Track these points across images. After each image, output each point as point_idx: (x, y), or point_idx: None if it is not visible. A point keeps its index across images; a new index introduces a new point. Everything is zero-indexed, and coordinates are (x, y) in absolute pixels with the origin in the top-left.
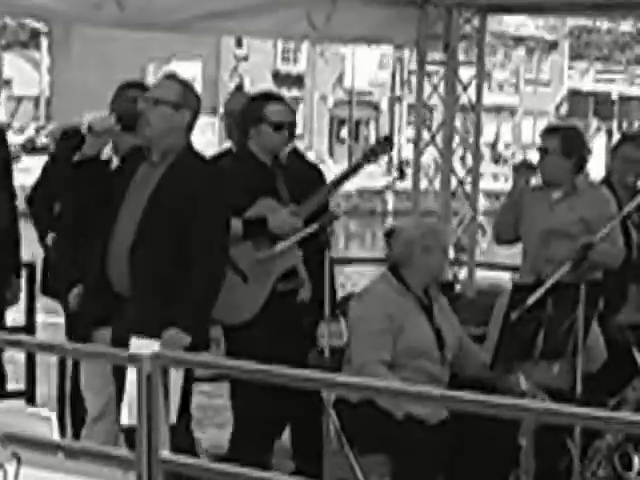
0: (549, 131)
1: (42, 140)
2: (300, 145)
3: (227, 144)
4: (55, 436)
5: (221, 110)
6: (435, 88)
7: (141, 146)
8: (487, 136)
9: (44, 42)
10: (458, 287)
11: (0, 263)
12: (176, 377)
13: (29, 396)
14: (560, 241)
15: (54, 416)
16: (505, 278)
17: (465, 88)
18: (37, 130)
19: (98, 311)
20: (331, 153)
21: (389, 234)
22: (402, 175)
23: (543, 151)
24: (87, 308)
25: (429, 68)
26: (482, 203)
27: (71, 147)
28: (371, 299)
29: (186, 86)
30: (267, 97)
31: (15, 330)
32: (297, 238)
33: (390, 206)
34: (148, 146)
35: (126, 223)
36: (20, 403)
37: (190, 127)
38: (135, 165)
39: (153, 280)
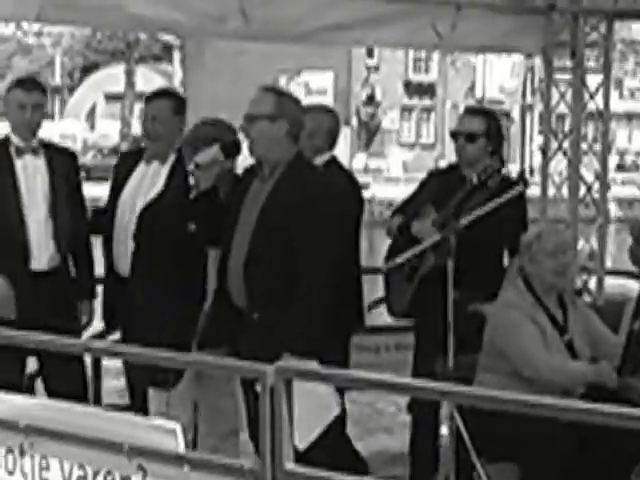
0: None
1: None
2: (432, 154)
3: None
4: (180, 448)
5: (354, 121)
6: (563, 96)
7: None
8: (619, 143)
9: (176, 55)
10: (587, 295)
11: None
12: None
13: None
14: None
15: (179, 428)
16: (635, 286)
17: (592, 96)
18: None
19: (220, 327)
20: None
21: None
22: (525, 184)
23: None
24: (210, 324)
25: (558, 76)
26: (614, 210)
27: None
28: (508, 309)
29: (282, 95)
30: None
31: None
32: (420, 249)
33: None
34: (259, 162)
35: (241, 240)
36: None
37: (294, 136)
38: (249, 181)
39: (267, 298)
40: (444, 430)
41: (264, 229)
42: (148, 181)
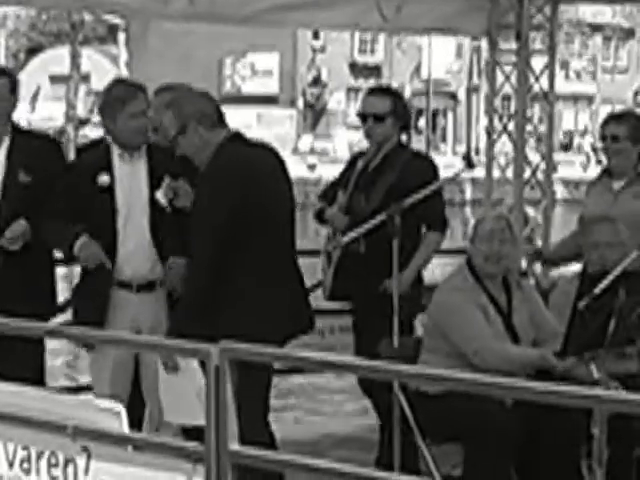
0: (617, 118)
1: None
2: None
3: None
4: (125, 429)
5: (300, 102)
6: (508, 77)
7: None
8: (565, 124)
9: (122, 37)
10: (532, 277)
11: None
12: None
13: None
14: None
15: (124, 410)
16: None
17: (537, 77)
18: None
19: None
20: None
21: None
22: (470, 165)
23: (613, 139)
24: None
25: (504, 58)
26: (560, 191)
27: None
28: (452, 292)
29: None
30: None
31: None
32: (365, 229)
33: (468, 195)
34: None
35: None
36: (90, 397)
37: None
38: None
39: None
40: None
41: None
42: None
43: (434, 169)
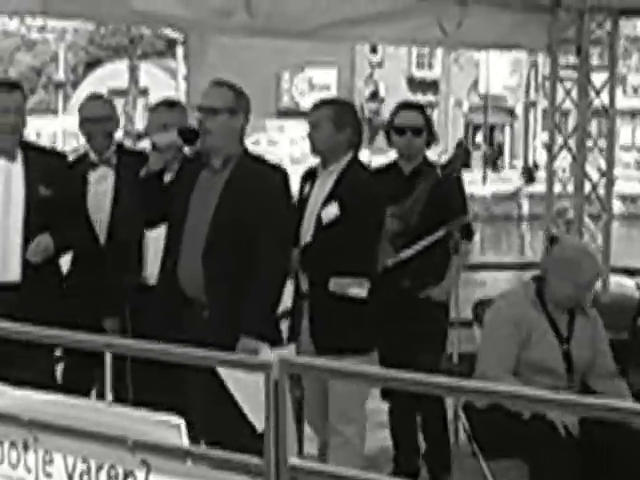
0: None
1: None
2: (435, 150)
3: (364, 150)
4: (184, 443)
5: None
6: (568, 93)
7: (198, 154)
8: (622, 140)
9: (180, 51)
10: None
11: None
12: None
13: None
14: None
15: (183, 423)
16: (631, 284)
17: (598, 92)
18: None
19: (170, 316)
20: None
21: (552, 241)
22: (530, 179)
23: None
24: (157, 314)
25: (562, 73)
26: (618, 206)
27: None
28: (503, 304)
29: (237, 91)
30: None
31: None
32: (425, 244)
33: (525, 210)
34: (207, 153)
35: (194, 230)
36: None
37: (243, 130)
38: (194, 172)
39: (227, 286)
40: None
41: (223, 220)
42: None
43: (460, 181)
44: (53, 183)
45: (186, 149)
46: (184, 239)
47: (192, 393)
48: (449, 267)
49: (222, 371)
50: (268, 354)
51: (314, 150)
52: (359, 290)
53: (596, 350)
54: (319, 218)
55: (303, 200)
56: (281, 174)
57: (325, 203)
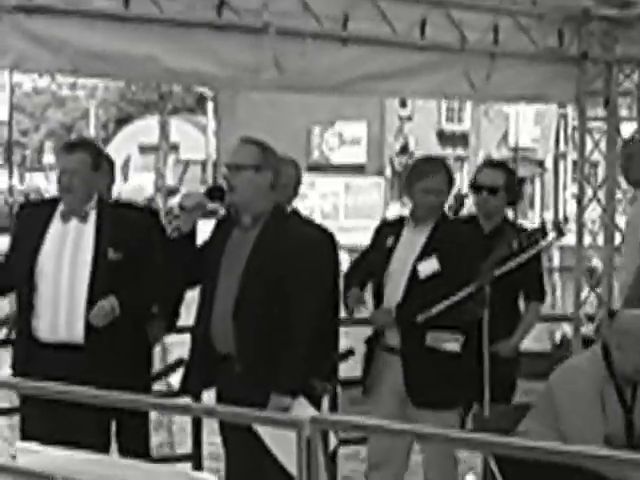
0: None
1: (210, 204)
2: (466, 203)
3: (394, 204)
4: None
5: (387, 171)
6: (597, 144)
7: (230, 211)
8: None
9: (210, 106)
10: None
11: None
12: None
13: (196, 460)
14: None
15: None
16: None
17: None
18: None
19: (203, 373)
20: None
21: (610, 315)
22: (560, 234)
23: None
24: (194, 371)
25: (591, 124)
26: None
27: None
28: (581, 378)
29: (264, 147)
30: None
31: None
32: (455, 300)
33: (556, 262)
34: (237, 210)
35: (226, 287)
36: (185, 467)
37: (273, 187)
38: (227, 231)
39: (257, 342)
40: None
41: (253, 277)
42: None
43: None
44: (123, 246)
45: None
46: (217, 296)
47: (230, 449)
48: (520, 324)
49: (259, 427)
50: (303, 409)
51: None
52: (454, 345)
53: None
54: (414, 272)
55: (388, 251)
56: (325, 234)
57: (421, 257)
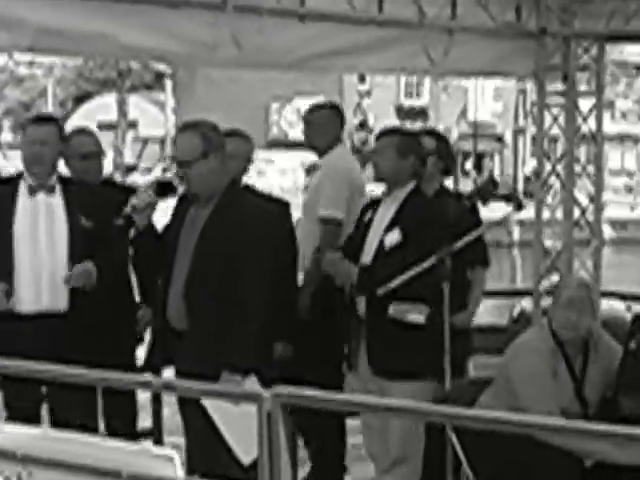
0: None
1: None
2: None
3: None
4: (179, 476)
5: (346, 147)
6: (556, 119)
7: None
8: (611, 165)
9: (168, 84)
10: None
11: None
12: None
13: (156, 436)
14: None
15: (178, 456)
16: (621, 307)
17: (585, 118)
18: (164, 171)
19: (163, 350)
20: (456, 186)
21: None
22: (519, 206)
23: None
24: (155, 348)
25: (550, 99)
26: (608, 232)
27: None
28: (532, 355)
29: (205, 129)
30: None
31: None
32: (415, 272)
33: (516, 237)
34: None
35: (180, 266)
36: (147, 444)
37: (224, 163)
38: (185, 210)
39: (207, 319)
40: None
41: (204, 254)
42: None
43: (477, 211)
44: (94, 215)
45: None
46: (173, 274)
47: (188, 425)
48: (470, 295)
49: (207, 403)
50: (255, 386)
51: (378, 176)
52: (417, 316)
53: (610, 378)
54: (381, 243)
55: (365, 225)
56: (279, 206)
57: (388, 229)
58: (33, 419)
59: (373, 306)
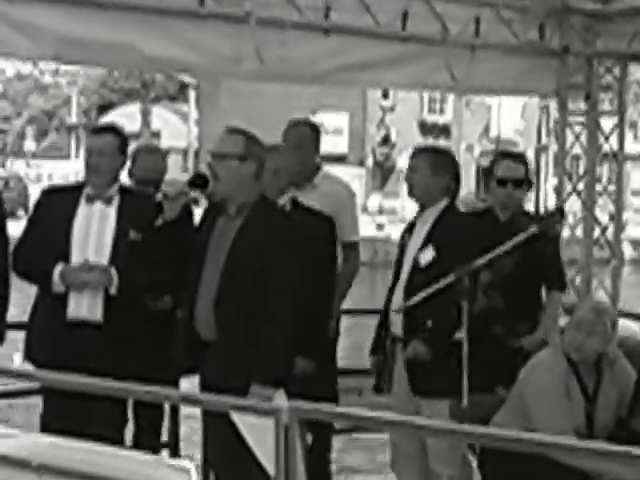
0: None
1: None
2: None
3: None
4: None
5: (369, 161)
6: (577, 137)
7: (211, 200)
8: (634, 184)
9: (192, 95)
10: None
11: None
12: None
13: (172, 447)
14: None
15: (194, 468)
16: (636, 328)
17: (607, 137)
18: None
19: (188, 360)
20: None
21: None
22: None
23: None
24: (178, 357)
25: (573, 118)
26: (628, 251)
27: None
28: (545, 374)
29: (250, 137)
30: None
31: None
32: (432, 290)
33: None
34: (223, 200)
35: (209, 277)
36: (163, 455)
37: (259, 177)
38: (214, 220)
39: (236, 330)
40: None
41: (234, 267)
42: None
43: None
44: (143, 228)
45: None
46: (201, 284)
47: (208, 436)
48: (542, 317)
49: (235, 416)
50: (283, 399)
51: (411, 193)
52: (457, 333)
53: (625, 401)
54: (415, 261)
55: (403, 247)
56: (322, 221)
57: (422, 247)
58: (66, 431)
59: (412, 323)
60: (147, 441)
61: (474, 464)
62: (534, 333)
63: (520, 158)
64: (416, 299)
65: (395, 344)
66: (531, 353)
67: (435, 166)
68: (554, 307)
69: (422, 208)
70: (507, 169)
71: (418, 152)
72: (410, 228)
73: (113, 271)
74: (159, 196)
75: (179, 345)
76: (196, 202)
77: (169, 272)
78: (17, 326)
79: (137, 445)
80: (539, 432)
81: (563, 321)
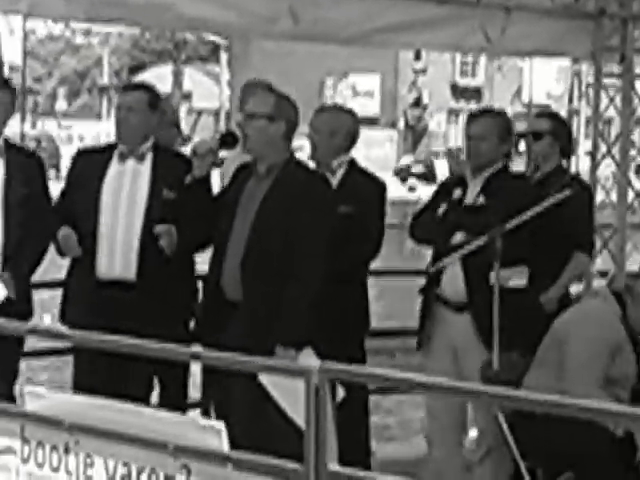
0: None
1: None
2: None
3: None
4: (225, 448)
5: (400, 124)
6: (612, 100)
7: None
8: None
9: (224, 56)
10: None
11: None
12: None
13: (205, 407)
14: None
15: (224, 428)
16: None
17: None
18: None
19: (215, 320)
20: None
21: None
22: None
23: None
24: (204, 318)
25: (606, 81)
26: None
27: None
28: (594, 325)
29: (281, 97)
30: None
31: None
32: (465, 251)
33: None
34: (254, 160)
35: (238, 237)
36: (194, 415)
37: (289, 137)
38: (244, 180)
39: (263, 293)
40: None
41: (262, 228)
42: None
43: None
44: (177, 186)
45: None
46: (229, 245)
47: (234, 398)
48: (562, 275)
49: (263, 376)
50: (310, 359)
51: (474, 161)
52: (519, 280)
53: None
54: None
55: (458, 202)
56: (375, 184)
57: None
58: (97, 390)
59: (474, 278)
60: (174, 400)
61: (505, 426)
62: (548, 291)
63: (547, 115)
64: (449, 260)
65: (445, 308)
66: (549, 311)
67: (502, 133)
68: (573, 266)
69: (478, 170)
70: (529, 124)
71: (481, 118)
72: (460, 184)
73: (173, 230)
74: (188, 153)
75: (201, 305)
76: (221, 163)
77: (199, 231)
78: (46, 285)
79: (163, 405)
80: (570, 374)
81: (596, 283)
